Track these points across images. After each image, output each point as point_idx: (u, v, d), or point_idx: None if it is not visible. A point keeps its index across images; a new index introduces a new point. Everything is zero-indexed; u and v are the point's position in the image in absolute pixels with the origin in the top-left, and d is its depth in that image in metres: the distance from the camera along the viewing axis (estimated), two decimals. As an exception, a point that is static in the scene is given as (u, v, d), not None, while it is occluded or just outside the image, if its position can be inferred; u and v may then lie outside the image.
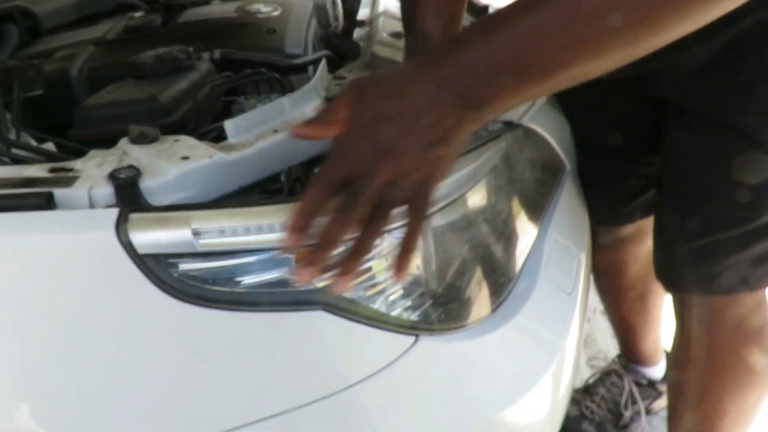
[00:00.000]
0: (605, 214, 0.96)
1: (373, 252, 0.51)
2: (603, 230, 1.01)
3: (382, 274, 0.52)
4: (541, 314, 0.63)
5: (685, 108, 0.71)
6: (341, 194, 0.43)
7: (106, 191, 0.50)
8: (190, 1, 1.07)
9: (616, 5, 0.40)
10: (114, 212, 0.46)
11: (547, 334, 0.64)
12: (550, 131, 0.85)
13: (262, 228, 0.47)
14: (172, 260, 0.46)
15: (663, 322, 1.16)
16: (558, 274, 0.69)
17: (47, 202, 0.48)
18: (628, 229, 1.01)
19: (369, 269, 0.51)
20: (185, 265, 0.46)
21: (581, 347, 1.04)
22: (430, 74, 0.44)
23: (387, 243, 0.52)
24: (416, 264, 0.54)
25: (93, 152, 0.57)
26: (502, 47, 0.42)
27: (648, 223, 0.98)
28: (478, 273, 0.60)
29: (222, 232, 0.46)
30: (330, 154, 0.44)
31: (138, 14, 1.12)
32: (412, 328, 0.53)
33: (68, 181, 0.51)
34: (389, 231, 0.52)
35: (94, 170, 0.53)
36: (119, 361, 0.46)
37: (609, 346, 1.39)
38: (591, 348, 1.41)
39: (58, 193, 0.49)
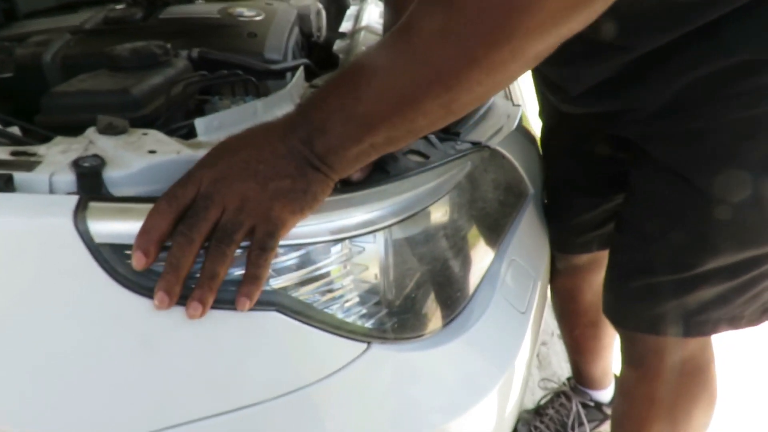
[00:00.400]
0: (563, 242, 0.99)
1: (332, 257, 0.52)
2: (560, 256, 1.04)
3: (340, 280, 0.53)
4: (494, 331, 0.64)
5: (645, 150, 0.73)
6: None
7: (67, 178, 0.50)
8: (173, -1, 1.07)
9: (421, 63, 0.45)
10: (72, 199, 0.46)
11: (498, 351, 0.65)
12: (517, 156, 0.88)
13: None
14: (128, 251, 0.45)
15: (614, 349, 1.19)
16: (513, 293, 0.71)
17: (6, 185, 0.48)
18: (583, 259, 1.03)
19: (327, 274, 0.52)
20: None
21: (533, 367, 1.06)
22: (282, 120, 0.50)
23: (347, 249, 0.53)
24: (374, 273, 0.55)
25: (58, 139, 0.56)
26: (332, 99, 0.48)
27: (604, 255, 1.01)
28: (435, 286, 0.61)
29: None
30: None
31: (119, 6, 1.11)
32: (366, 336, 0.54)
33: (30, 166, 0.51)
34: (350, 238, 0.53)
35: (57, 156, 0.53)
36: (66, 348, 0.46)
37: (563, 370, 1.42)
38: (546, 370, 1.43)
39: (18, 176, 0.49)
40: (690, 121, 0.66)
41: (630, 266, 0.78)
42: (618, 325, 0.85)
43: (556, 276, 1.07)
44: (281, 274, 0.50)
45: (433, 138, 0.68)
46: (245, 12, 1.01)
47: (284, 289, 0.50)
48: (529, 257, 0.81)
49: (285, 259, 0.50)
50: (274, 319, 0.49)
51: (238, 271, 0.48)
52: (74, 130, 0.59)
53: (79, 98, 0.68)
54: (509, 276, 0.72)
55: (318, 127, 0.48)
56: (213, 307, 0.46)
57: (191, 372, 0.48)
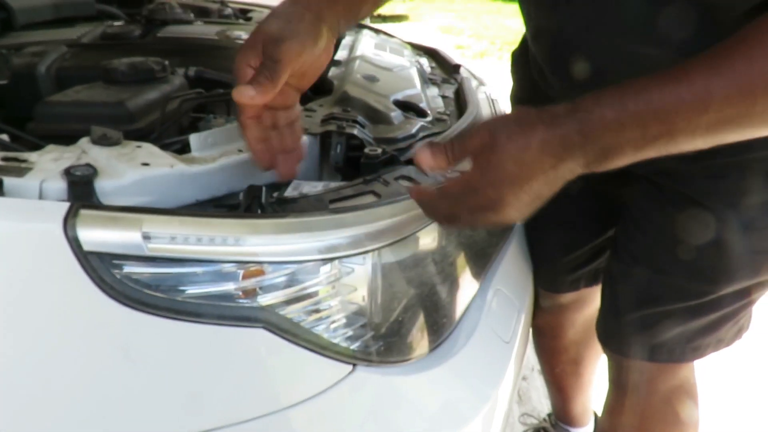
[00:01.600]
0: (552, 281, 0.99)
1: (321, 277, 0.52)
2: (546, 294, 1.03)
3: (328, 300, 0.53)
4: (478, 359, 0.64)
5: (657, 183, 0.73)
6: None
7: (58, 186, 0.50)
8: (172, 18, 1.08)
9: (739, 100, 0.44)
10: (62, 206, 0.46)
11: (482, 379, 0.65)
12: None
13: (215, 239, 0.47)
14: (116, 261, 0.45)
15: (594, 387, 1.19)
16: (498, 322, 0.71)
17: (-5, 189, 0.47)
18: (569, 297, 1.03)
19: (315, 294, 0.52)
20: (130, 268, 0.45)
21: (515, 400, 1.05)
22: (569, 134, 0.47)
23: (336, 269, 0.53)
24: (362, 294, 0.55)
25: (50, 147, 0.56)
26: (627, 122, 0.46)
27: (589, 292, 1.01)
28: (422, 311, 0.61)
29: (173, 239, 0.46)
30: (457, 187, 0.50)
31: (117, 23, 1.13)
32: (351, 358, 0.53)
33: (20, 172, 0.51)
34: (339, 259, 0.53)
35: (48, 164, 0.53)
36: (44, 354, 0.44)
37: (543, 405, 1.42)
38: (526, 405, 1.42)
39: (8, 181, 0.49)
40: (712, 158, 0.64)
41: (635, 296, 0.78)
42: (618, 353, 0.85)
43: (539, 314, 1.07)
44: (269, 292, 0.50)
45: None
46: (243, 35, 1.02)
47: (271, 306, 0.50)
48: (514, 288, 0.81)
49: (273, 276, 0.50)
50: (260, 336, 0.48)
51: (225, 287, 0.48)
52: (66, 139, 0.59)
53: (73, 108, 0.68)
54: (494, 305, 0.72)
55: (604, 151, 0.47)
56: (200, 322, 0.45)
57: (172, 387, 0.47)
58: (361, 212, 0.56)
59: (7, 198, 0.47)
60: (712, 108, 0.45)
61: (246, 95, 0.54)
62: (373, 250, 0.55)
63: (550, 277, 0.98)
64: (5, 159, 0.53)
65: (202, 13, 1.24)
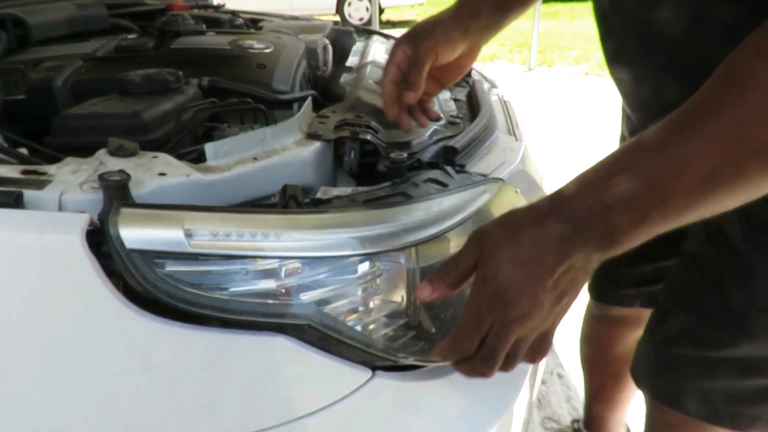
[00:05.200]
0: (606, 292, 0.95)
1: (360, 273, 0.52)
2: (597, 304, 0.99)
3: (367, 298, 0.53)
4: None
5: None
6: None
7: (77, 198, 0.50)
8: (184, 30, 1.09)
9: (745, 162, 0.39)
10: (82, 217, 0.46)
11: (500, 385, 0.64)
12: (526, 193, 0.88)
13: (256, 235, 0.47)
14: (158, 260, 0.45)
15: (632, 403, 1.14)
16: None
17: (15, 202, 0.48)
18: (622, 312, 0.98)
19: (355, 291, 0.52)
20: (172, 267, 0.46)
21: (534, 405, 1.04)
22: (560, 228, 0.42)
23: (375, 267, 0.53)
24: (401, 295, 0.55)
25: (68, 159, 0.57)
26: (640, 191, 0.41)
27: (646, 314, 0.95)
28: (450, 315, 0.60)
29: (215, 235, 0.46)
30: (464, 318, 0.46)
31: (131, 36, 1.14)
32: (391, 354, 0.53)
33: (40, 184, 0.51)
34: (378, 254, 0.53)
35: (67, 176, 0.53)
36: (65, 365, 0.45)
37: (563, 410, 1.40)
38: (546, 410, 1.41)
39: (28, 194, 0.49)
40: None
41: (662, 332, 0.73)
42: (642, 389, 0.79)
43: (589, 321, 1.03)
44: (309, 289, 0.50)
45: (450, 169, 0.68)
46: (255, 44, 1.03)
47: (313, 302, 0.49)
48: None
49: (314, 272, 0.50)
50: (280, 343, 0.48)
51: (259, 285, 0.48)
52: (83, 151, 0.59)
53: (90, 121, 0.69)
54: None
55: (619, 226, 0.42)
56: (244, 321, 0.46)
57: (194, 396, 0.47)
58: (401, 208, 0.56)
59: (27, 210, 0.47)
60: (694, 168, 0.40)
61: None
62: (412, 245, 0.54)
63: (607, 287, 0.93)
64: (25, 172, 0.53)
65: (214, 24, 1.25)
